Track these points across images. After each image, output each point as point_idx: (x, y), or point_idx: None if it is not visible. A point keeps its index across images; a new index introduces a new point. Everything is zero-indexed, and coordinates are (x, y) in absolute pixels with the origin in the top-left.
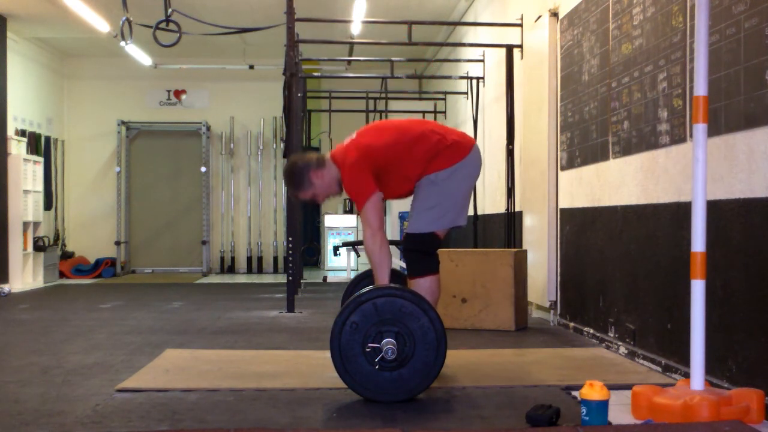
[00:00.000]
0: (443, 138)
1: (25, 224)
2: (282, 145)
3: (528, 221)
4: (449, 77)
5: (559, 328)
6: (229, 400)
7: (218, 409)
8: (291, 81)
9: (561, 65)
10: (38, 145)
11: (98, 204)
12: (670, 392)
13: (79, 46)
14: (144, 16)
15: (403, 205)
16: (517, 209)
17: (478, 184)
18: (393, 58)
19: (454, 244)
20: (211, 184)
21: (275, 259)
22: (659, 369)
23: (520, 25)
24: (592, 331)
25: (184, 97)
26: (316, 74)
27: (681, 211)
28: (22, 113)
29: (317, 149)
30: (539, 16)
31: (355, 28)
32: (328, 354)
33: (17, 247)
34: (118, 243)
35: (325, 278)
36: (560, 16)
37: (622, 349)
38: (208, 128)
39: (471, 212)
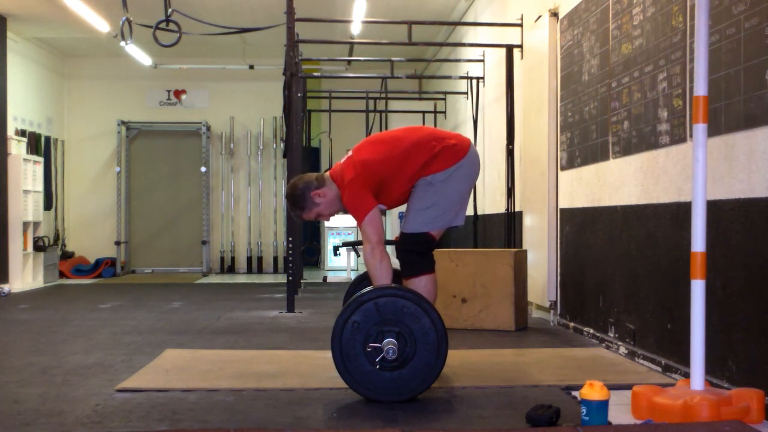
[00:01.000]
0: (439, 142)
1: (25, 224)
2: (282, 145)
3: (528, 221)
4: (449, 77)
5: (559, 328)
6: (229, 400)
7: (218, 409)
8: (291, 81)
9: (561, 65)
10: (38, 145)
11: (98, 204)
12: (670, 392)
13: (79, 46)
14: (144, 16)
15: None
16: (517, 209)
17: (478, 184)
18: (393, 58)
19: (454, 244)
20: (211, 184)
21: (275, 259)
22: (659, 369)
23: (520, 25)
24: (592, 331)
25: (184, 97)
26: (316, 74)
27: (681, 211)
28: (22, 113)
29: (317, 149)
30: (539, 16)
31: (355, 28)
32: (328, 354)
33: (17, 247)
34: (118, 243)
35: (325, 278)
36: (560, 16)
37: (622, 349)
38: (208, 128)
39: (471, 212)
